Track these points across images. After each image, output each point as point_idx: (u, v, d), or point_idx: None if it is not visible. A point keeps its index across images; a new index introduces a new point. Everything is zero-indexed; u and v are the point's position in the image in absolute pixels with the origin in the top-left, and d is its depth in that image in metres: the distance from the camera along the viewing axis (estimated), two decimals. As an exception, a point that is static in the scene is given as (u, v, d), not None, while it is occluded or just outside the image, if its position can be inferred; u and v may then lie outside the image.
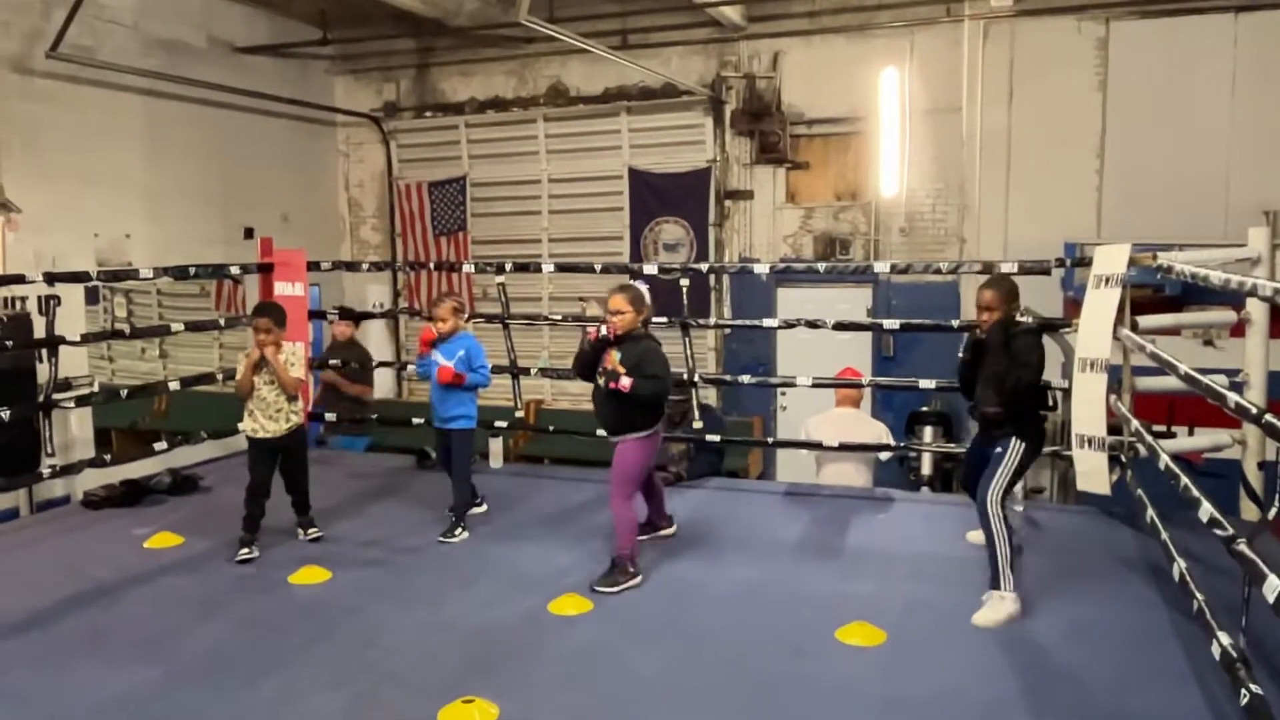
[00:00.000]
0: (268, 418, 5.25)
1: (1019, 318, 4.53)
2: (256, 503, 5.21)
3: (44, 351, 6.15)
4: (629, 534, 4.78)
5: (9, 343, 6.49)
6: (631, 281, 5.26)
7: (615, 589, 4.65)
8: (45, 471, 6.00)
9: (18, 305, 7.09)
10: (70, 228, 8.12)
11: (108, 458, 6.38)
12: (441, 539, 5.36)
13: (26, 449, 6.42)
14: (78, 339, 6.41)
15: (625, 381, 4.66)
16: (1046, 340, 4.82)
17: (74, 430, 7.67)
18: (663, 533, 5.39)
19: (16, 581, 4.89)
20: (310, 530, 5.45)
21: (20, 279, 5.99)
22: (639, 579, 4.76)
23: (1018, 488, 5.22)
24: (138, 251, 8.70)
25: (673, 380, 4.99)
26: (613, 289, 4.92)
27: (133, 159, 8.95)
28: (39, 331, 6.31)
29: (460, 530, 5.43)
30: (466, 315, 5.74)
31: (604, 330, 4.77)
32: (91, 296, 8.51)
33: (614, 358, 4.76)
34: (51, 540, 5.67)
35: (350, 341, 8.31)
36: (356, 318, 8.52)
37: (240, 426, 5.35)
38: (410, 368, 7.83)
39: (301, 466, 5.48)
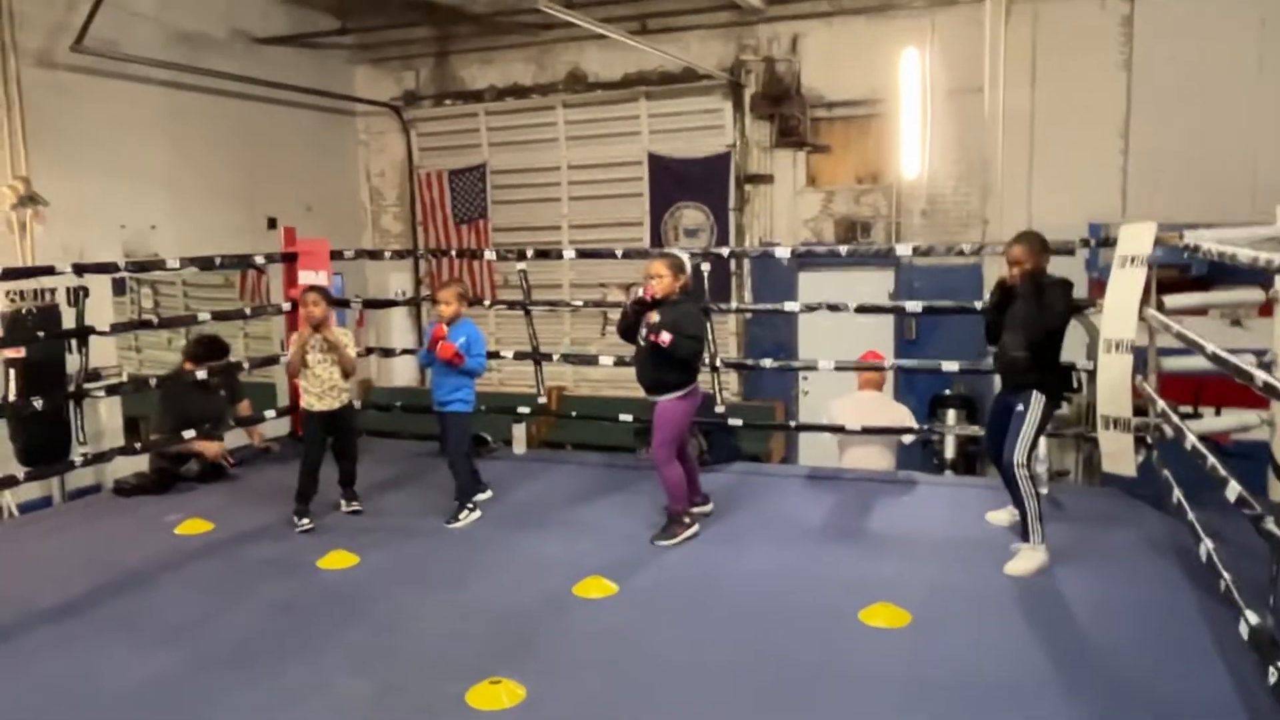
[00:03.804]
0: (321, 394, 5.52)
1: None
2: (311, 477, 5.49)
3: (73, 342, 6.24)
4: (678, 489, 5.10)
5: (40, 334, 6.58)
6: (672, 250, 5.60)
7: (674, 540, 5.01)
8: (77, 460, 6.08)
9: (46, 297, 7.18)
10: (97, 220, 8.21)
11: (138, 446, 6.47)
12: (447, 524, 5.44)
13: (58, 438, 6.52)
14: (107, 329, 6.50)
15: (666, 336, 4.91)
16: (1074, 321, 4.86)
17: (104, 419, 7.76)
18: (697, 510, 5.37)
19: (49, 567, 4.99)
20: (352, 503, 5.71)
21: (50, 270, 6.07)
22: (696, 528, 5.14)
23: (1042, 449, 5.30)
24: (163, 242, 8.78)
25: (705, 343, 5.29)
26: (653, 256, 5.31)
27: (157, 151, 9.02)
28: (68, 323, 6.40)
29: (465, 513, 5.51)
30: (470, 301, 5.85)
31: (641, 292, 5.10)
32: (118, 288, 8.61)
33: (653, 318, 5.03)
34: (84, 527, 5.78)
35: (204, 386, 6.59)
36: (217, 354, 6.78)
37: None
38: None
39: (351, 438, 5.77)
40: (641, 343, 5.10)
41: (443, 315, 5.57)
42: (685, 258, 5.36)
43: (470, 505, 5.56)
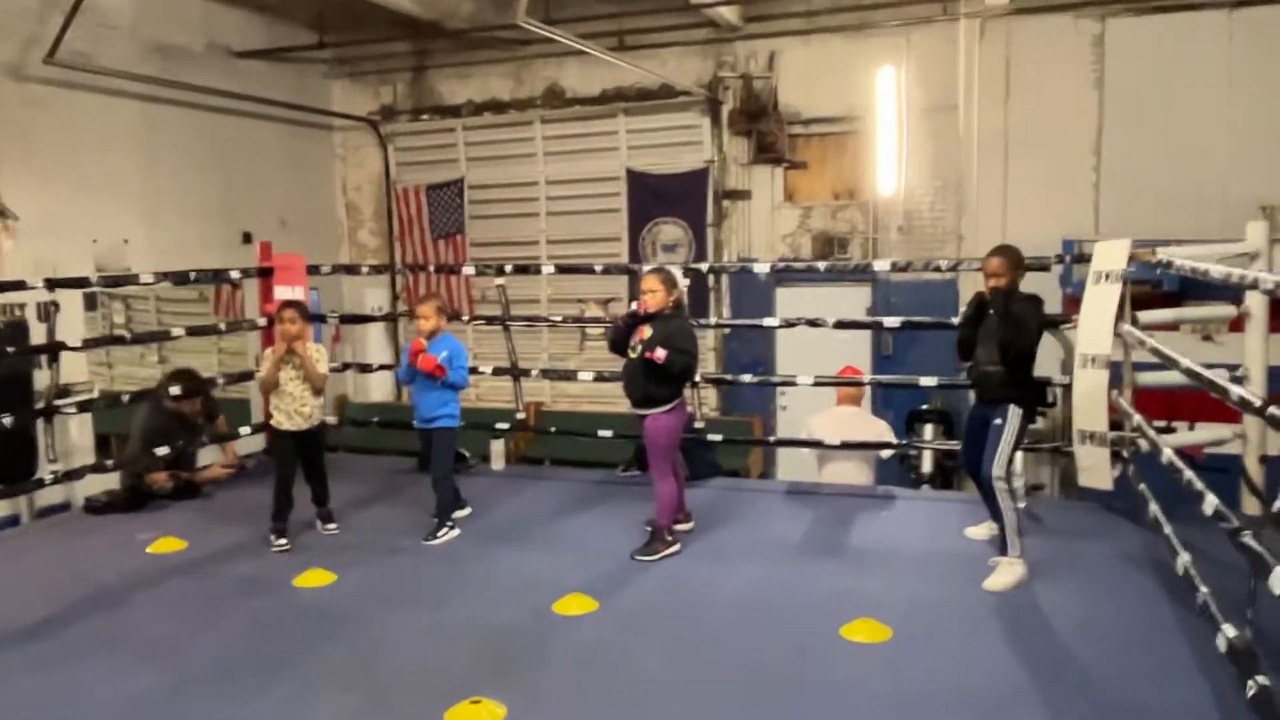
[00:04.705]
0: (294, 412, 5.47)
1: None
2: (285, 495, 5.43)
3: (43, 358, 6.15)
4: (670, 504, 5.12)
5: (10, 349, 6.48)
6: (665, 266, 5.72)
7: (655, 557, 4.99)
8: (47, 477, 5.98)
9: (15, 312, 7.07)
10: (68, 234, 8.09)
11: (109, 463, 6.37)
12: (425, 541, 5.37)
13: (24, 456, 6.41)
14: (79, 344, 6.40)
15: (660, 353, 4.94)
16: (1048, 336, 4.92)
17: (74, 437, 7.65)
18: (679, 527, 5.36)
19: (21, 587, 4.89)
20: (329, 525, 5.66)
21: (21, 285, 5.98)
22: (678, 547, 5.10)
23: (1018, 463, 5.35)
24: (136, 257, 8.67)
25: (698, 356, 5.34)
26: (646, 271, 5.38)
27: (130, 164, 8.93)
28: (36, 338, 6.30)
29: (445, 531, 5.45)
30: (449, 316, 5.84)
31: (634, 306, 5.17)
32: (90, 302, 8.49)
33: (645, 333, 5.08)
34: (55, 546, 5.68)
35: (184, 421, 6.59)
36: (200, 390, 6.72)
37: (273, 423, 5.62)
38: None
39: (321, 457, 5.70)
40: (632, 355, 5.11)
41: (422, 330, 5.52)
42: (679, 273, 5.43)
43: (450, 523, 5.50)
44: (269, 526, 5.39)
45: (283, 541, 5.35)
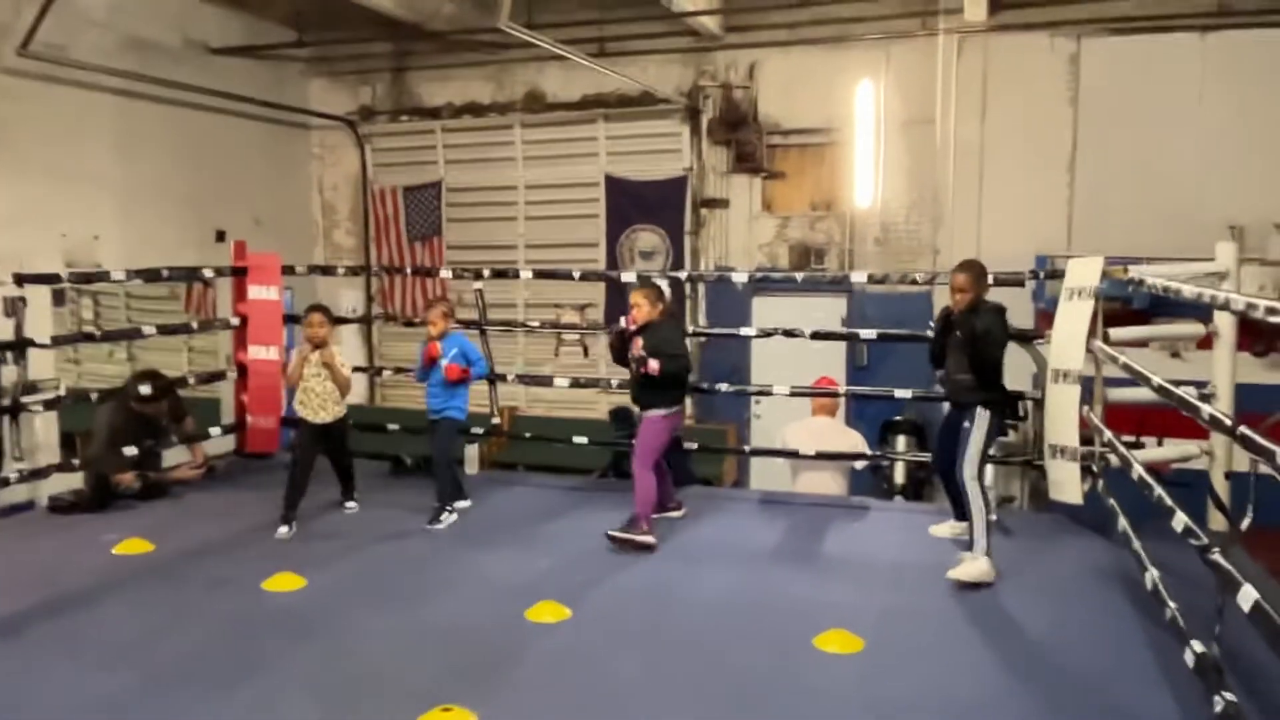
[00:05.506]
0: (317, 408, 5.75)
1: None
2: (298, 483, 5.62)
3: (10, 354, 6.03)
4: (648, 498, 5.38)
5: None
6: (650, 279, 6.03)
7: (626, 536, 5.23)
8: (12, 476, 5.88)
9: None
10: (36, 227, 7.98)
11: (75, 462, 6.27)
12: (427, 526, 5.62)
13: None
14: (47, 341, 6.30)
15: (654, 365, 5.31)
16: (1020, 350, 5.02)
17: (40, 435, 7.51)
18: (670, 514, 5.78)
19: (-18, 588, 4.79)
20: (350, 503, 6.05)
21: (-12, 279, 5.88)
22: (652, 539, 5.28)
23: (989, 476, 5.51)
24: (106, 253, 8.57)
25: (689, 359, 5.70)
26: (634, 287, 5.73)
27: (103, 159, 8.82)
28: (3, 334, 6.19)
29: (446, 516, 5.72)
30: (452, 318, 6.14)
31: (623, 321, 5.55)
32: (58, 298, 8.35)
33: (639, 344, 5.44)
34: (17, 546, 5.57)
35: (149, 421, 6.53)
36: (169, 389, 6.72)
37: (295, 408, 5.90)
38: (385, 373, 8.51)
39: (345, 448, 6.05)
40: (632, 364, 5.46)
41: (432, 335, 5.88)
42: (664, 284, 5.79)
43: (450, 508, 5.75)
44: (279, 514, 5.52)
45: (285, 529, 5.47)
